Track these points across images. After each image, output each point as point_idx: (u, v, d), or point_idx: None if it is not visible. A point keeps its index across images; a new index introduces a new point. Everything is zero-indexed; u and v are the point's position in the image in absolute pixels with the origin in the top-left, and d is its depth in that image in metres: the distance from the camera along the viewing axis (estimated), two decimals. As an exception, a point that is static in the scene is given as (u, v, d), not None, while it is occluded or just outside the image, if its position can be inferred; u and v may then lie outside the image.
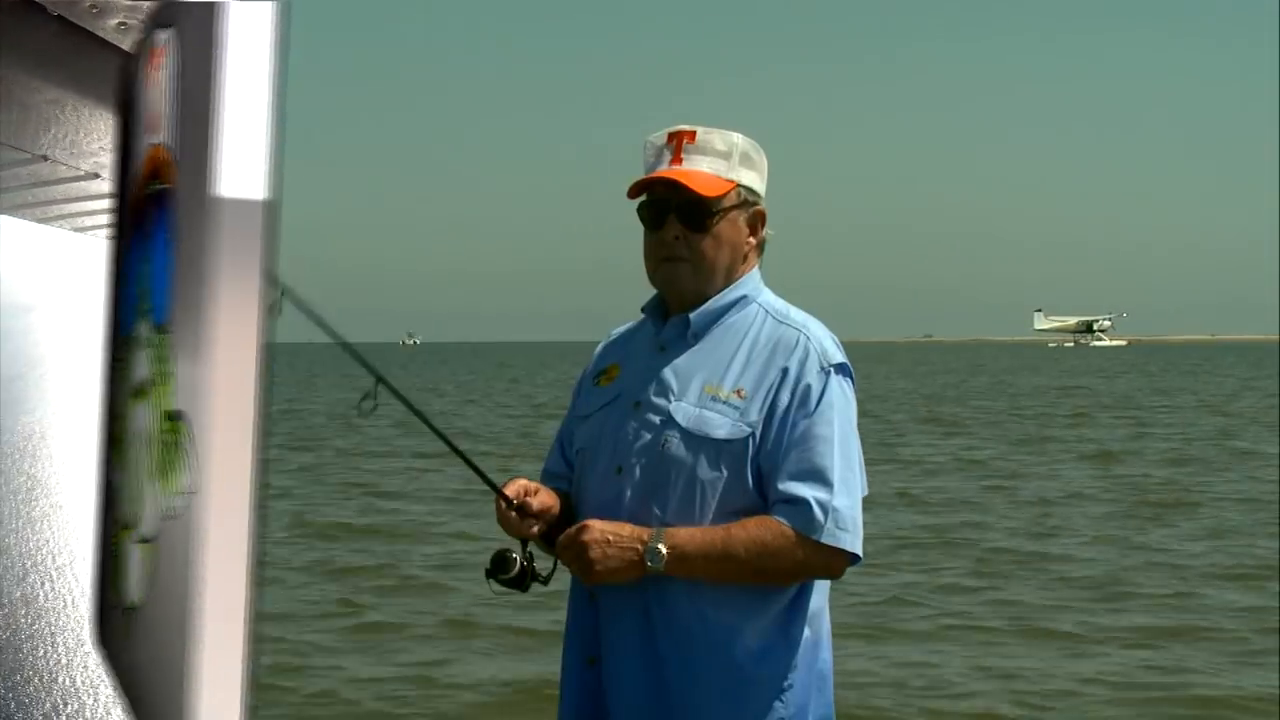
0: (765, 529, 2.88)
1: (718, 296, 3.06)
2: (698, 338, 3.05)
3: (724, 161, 3.04)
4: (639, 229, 3.12)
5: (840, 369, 3.01)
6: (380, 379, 2.98)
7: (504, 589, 3.05)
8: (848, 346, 3.03)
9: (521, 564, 3.03)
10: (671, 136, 3.06)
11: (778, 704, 2.95)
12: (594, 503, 3.03)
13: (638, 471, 2.98)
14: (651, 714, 2.97)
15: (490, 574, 3.03)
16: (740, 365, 3.00)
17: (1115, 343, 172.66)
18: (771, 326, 3.04)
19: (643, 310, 3.16)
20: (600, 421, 3.08)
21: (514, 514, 2.99)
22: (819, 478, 2.91)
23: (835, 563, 2.92)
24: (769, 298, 3.11)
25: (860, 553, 2.92)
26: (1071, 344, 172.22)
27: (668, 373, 3.03)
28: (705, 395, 2.98)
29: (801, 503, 2.89)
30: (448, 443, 3.07)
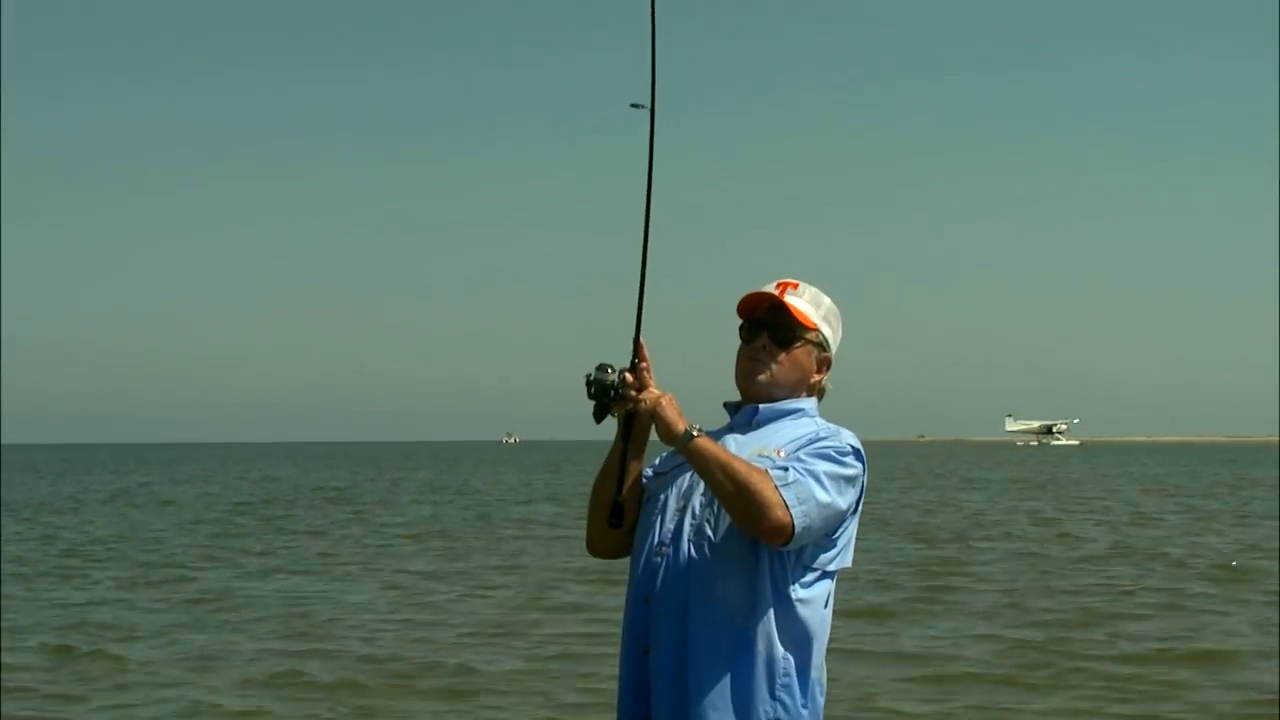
0: (759, 470, 3.35)
1: (783, 402, 3.61)
2: (759, 425, 3.57)
3: (814, 309, 3.63)
4: (725, 342, 3.67)
5: (855, 451, 3.51)
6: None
7: (595, 391, 3.47)
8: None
9: (614, 380, 3.45)
10: (780, 284, 3.64)
11: (774, 704, 3.38)
12: (659, 532, 3.49)
13: (697, 509, 3.47)
14: (678, 699, 3.40)
15: (591, 379, 3.46)
16: (785, 442, 3.53)
17: (1070, 443, 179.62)
18: (817, 430, 3.57)
19: (725, 405, 3.69)
20: (672, 476, 3.58)
21: (630, 376, 3.46)
22: (808, 467, 3.41)
23: (781, 524, 3.30)
24: (822, 420, 3.64)
25: (797, 527, 3.30)
26: (1035, 443, 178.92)
27: (730, 442, 3.51)
28: (754, 454, 3.46)
29: (787, 469, 3.38)
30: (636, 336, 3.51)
